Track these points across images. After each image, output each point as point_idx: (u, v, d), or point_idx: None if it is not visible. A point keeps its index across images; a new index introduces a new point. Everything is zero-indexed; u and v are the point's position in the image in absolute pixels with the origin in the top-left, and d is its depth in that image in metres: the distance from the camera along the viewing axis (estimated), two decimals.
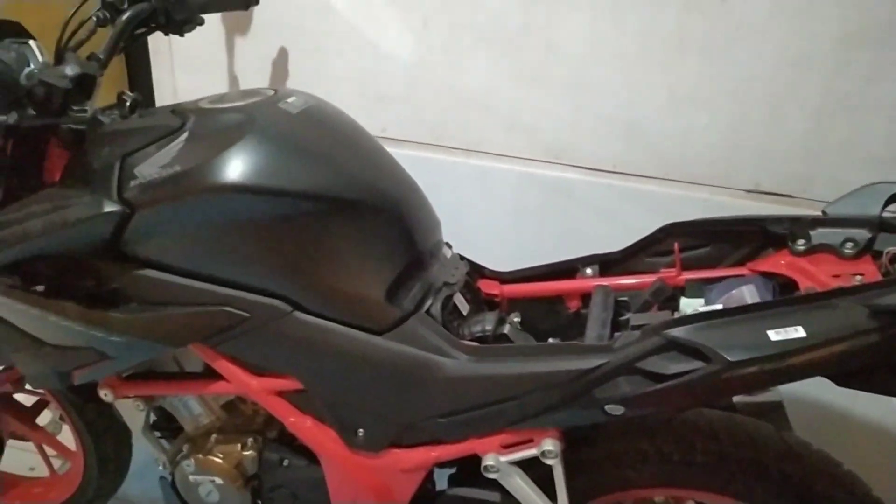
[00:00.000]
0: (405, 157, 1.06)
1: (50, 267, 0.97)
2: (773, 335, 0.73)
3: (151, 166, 0.89)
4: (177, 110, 0.97)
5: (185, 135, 0.90)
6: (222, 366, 0.99)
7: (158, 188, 0.88)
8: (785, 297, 0.77)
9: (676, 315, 0.92)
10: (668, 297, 0.97)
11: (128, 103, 1.02)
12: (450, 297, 1.00)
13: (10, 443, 1.45)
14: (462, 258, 1.09)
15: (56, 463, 1.53)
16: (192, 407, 1.14)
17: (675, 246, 0.99)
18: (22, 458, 1.55)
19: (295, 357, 0.95)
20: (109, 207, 0.88)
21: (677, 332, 0.77)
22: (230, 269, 0.91)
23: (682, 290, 0.99)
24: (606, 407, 0.83)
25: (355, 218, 0.91)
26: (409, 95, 1.45)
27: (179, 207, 0.88)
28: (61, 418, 1.42)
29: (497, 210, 1.48)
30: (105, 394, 1.09)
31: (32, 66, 0.97)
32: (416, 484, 1.00)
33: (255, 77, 1.52)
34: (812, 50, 1.23)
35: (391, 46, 1.41)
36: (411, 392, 0.93)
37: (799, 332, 0.72)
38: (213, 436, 1.13)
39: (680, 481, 0.97)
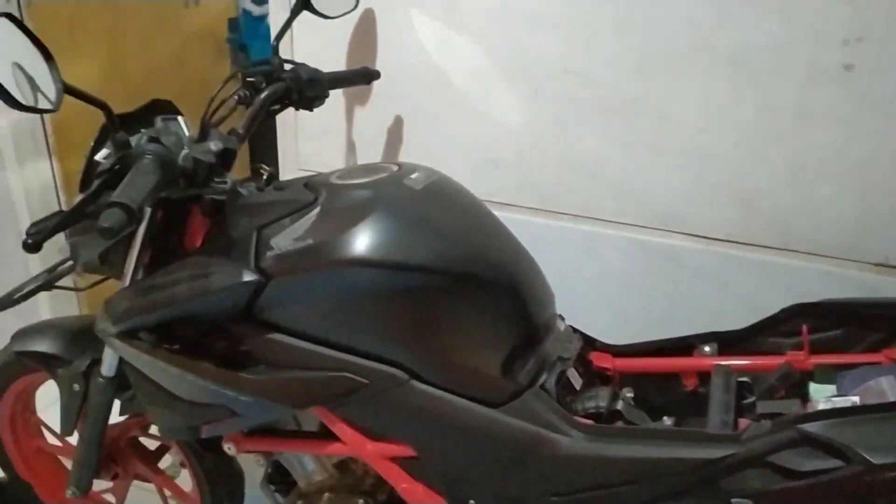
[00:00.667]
0: (513, 220, 1.07)
1: (188, 328, 1.04)
2: None
3: (286, 238, 0.95)
4: (310, 184, 1.03)
5: (318, 209, 0.96)
6: (339, 428, 1.02)
7: (292, 259, 0.93)
8: None
9: (808, 404, 0.88)
10: (795, 383, 0.93)
11: (264, 176, 1.10)
12: (563, 372, 0.99)
13: (134, 483, 1.54)
14: (574, 330, 1.09)
15: (172, 501, 1.60)
16: (306, 464, 1.17)
17: (804, 328, 0.95)
18: (143, 498, 1.63)
19: (410, 424, 0.97)
20: (248, 277, 0.94)
21: (814, 427, 0.74)
22: (353, 336, 0.95)
23: (810, 375, 0.95)
24: (733, 500, 0.80)
25: (475, 292, 0.93)
26: (519, 161, 1.48)
27: (310, 278, 0.93)
28: (181, 464, 1.49)
29: (604, 277, 1.47)
30: (229, 447, 1.15)
31: (184, 143, 1.07)
32: None
33: (371, 144, 1.59)
34: None
35: (503, 115, 1.45)
36: (524, 468, 0.93)
37: None
38: (326, 494, 1.16)
39: None
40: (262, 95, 1.17)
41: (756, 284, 1.36)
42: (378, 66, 1.47)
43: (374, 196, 0.95)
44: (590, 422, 0.93)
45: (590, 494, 0.89)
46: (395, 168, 1.02)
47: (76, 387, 1.25)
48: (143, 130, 1.11)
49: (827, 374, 0.93)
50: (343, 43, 1.53)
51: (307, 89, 1.23)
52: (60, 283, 1.22)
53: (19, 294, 1.19)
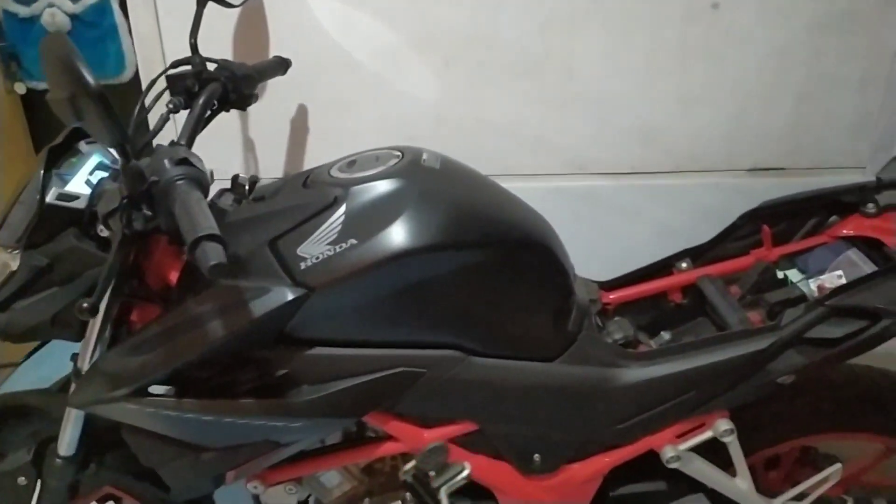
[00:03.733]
0: None
1: (206, 370, 0.93)
2: None
3: (317, 245, 0.89)
4: (310, 185, 0.96)
5: (343, 208, 0.90)
6: (393, 427, 1.00)
7: (337, 263, 0.88)
8: None
9: (786, 289, 1.05)
10: (772, 275, 1.11)
11: (246, 186, 1.00)
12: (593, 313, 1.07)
13: None
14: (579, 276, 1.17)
15: None
16: (328, 479, 1.12)
17: (765, 228, 1.13)
18: None
19: (470, 401, 0.98)
20: (293, 294, 0.87)
21: (842, 299, 0.90)
22: (405, 330, 0.93)
23: (775, 265, 1.14)
24: (779, 379, 0.95)
25: (518, 258, 0.96)
26: (437, 134, 1.49)
27: (361, 280, 0.88)
28: None
29: None
30: (255, 486, 1.06)
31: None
32: (593, 491, 1.07)
33: (273, 140, 1.49)
34: (791, 41, 1.43)
35: (416, 89, 1.45)
36: (589, 408, 1.00)
37: None
38: (366, 500, 1.13)
39: (811, 429, 1.11)
40: (202, 100, 1.05)
41: (661, 206, 1.56)
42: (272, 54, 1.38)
43: (406, 182, 0.92)
44: (638, 350, 1.02)
45: (652, 413, 0.99)
46: (399, 153, 1.00)
47: (22, 480, 1.05)
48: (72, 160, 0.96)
49: (787, 262, 1.13)
50: (233, 34, 1.40)
51: (243, 87, 1.13)
52: None
53: None
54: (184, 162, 0.80)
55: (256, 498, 1.08)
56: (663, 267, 1.20)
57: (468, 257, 0.92)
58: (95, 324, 0.93)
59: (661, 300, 1.20)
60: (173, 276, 0.96)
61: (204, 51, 1.14)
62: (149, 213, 0.82)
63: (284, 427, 0.93)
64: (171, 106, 1.04)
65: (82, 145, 1.00)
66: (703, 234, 1.27)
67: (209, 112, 1.08)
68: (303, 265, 0.88)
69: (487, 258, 0.93)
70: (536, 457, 1.02)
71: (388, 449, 1.03)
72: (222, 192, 1.00)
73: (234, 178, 1.01)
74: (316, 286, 0.88)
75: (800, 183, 1.35)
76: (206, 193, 0.80)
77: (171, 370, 0.88)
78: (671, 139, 1.52)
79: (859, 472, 1.23)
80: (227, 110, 1.15)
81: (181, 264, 0.96)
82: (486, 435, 1.01)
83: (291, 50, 1.39)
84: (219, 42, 1.40)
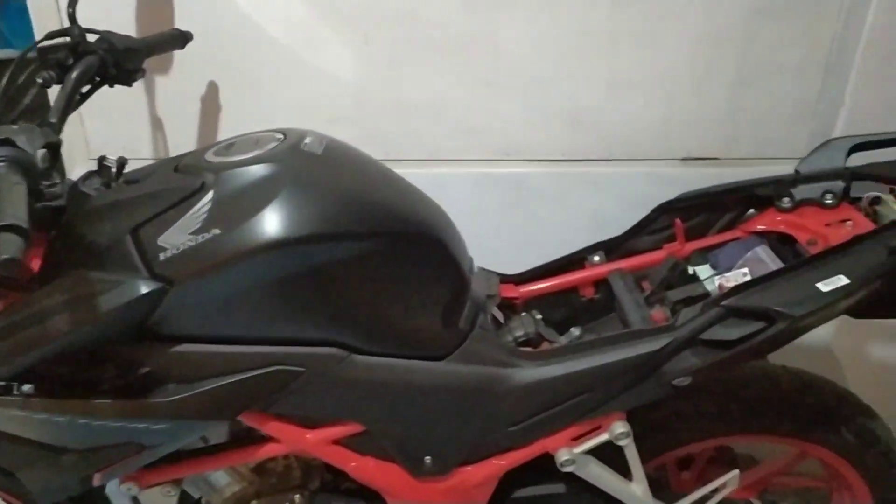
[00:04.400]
0: None
1: (61, 367, 0.87)
2: (823, 286, 0.83)
3: (180, 234, 0.82)
4: (182, 168, 0.90)
5: (211, 194, 0.84)
6: (272, 427, 0.95)
7: (197, 256, 0.81)
8: (818, 253, 0.88)
9: (696, 285, 1.01)
10: (682, 271, 1.06)
11: (113, 169, 0.93)
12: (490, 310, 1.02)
13: None
14: (482, 269, 1.11)
15: None
16: (217, 479, 1.07)
17: (678, 221, 1.08)
18: None
19: (354, 401, 0.93)
20: (147, 287, 0.80)
21: (738, 300, 0.86)
22: (280, 326, 0.87)
23: (687, 260, 1.09)
24: (674, 381, 0.91)
25: (404, 250, 0.91)
26: (357, 114, 1.43)
27: (225, 273, 0.82)
28: None
29: (460, 215, 1.49)
30: (129, 488, 1.00)
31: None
32: (488, 494, 1.02)
33: (183, 119, 1.42)
34: (725, 25, 1.38)
35: (335, 67, 1.38)
36: (480, 409, 0.95)
37: (842, 280, 0.83)
38: (254, 502, 1.07)
39: (718, 431, 1.08)
40: (74, 74, 0.97)
41: (592, 194, 1.50)
42: (178, 27, 1.30)
43: (280, 169, 0.86)
44: (529, 349, 0.98)
45: (547, 414, 0.94)
46: (282, 136, 0.93)
47: None
48: None
49: (700, 257, 1.08)
50: (135, 6, 1.32)
51: (125, 61, 1.05)
52: None
53: None
54: (5, 143, 0.73)
55: (135, 499, 1.02)
56: (576, 260, 1.15)
57: (345, 250, 0.86)
58: None
59: (573, 295, 1.15)
60: (35, 264, 0.89)
61: (104, 23, 1.06)
62: None
63: (146, 429, 0.87)
64: (41, 80, 0.97)
65: None
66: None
67: (87, 88, 1.01)
68: (162, 256, 0.82)
69: (367, 250, 0.87)
70: (427, 459, 0.97)
71: (270, 451, 0.98)
72: (89, 174, 0.93)
73: (101, 160, 0.94)
74: (175, 279, 0.82)
75: (736, 173, 1.30)
76: (32, 177, 0.73)
77: (17, 367, 0.82)
78: (602, 125, 1.46)
79: (775, 474, 1.20)
80: (111, 86, 1.08)
81: (43, 251, 0.89)
82: (374, 436, 0.96)
83: (200, 23, 1.32)
84: (121, 13, 1.32)
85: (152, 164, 0.99)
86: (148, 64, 1.36)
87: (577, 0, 1.35)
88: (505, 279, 1.15)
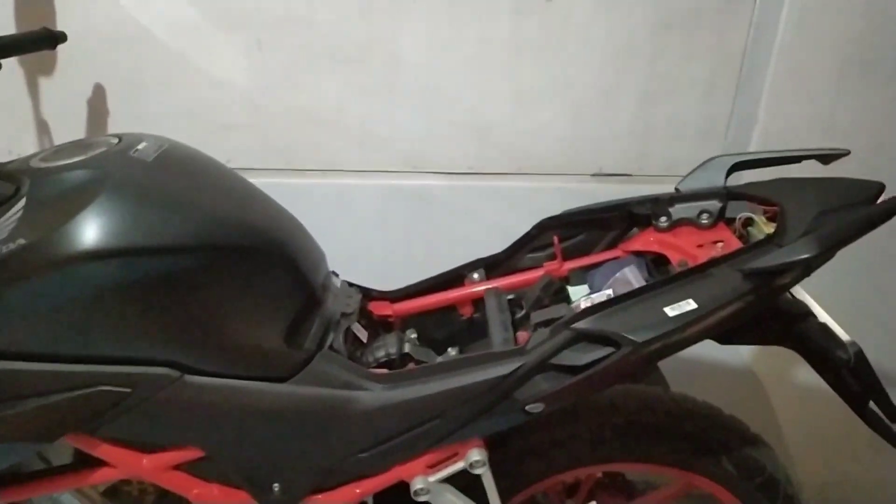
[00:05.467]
0: (259, 185, 0.99)
1: None
2: (670, 311, 0.79)
3: None
4: (3, 174, 0.84)
5: (23, 202, 0.79)
6: (104, 451, 0.89)
7: (1, 268, 0.76)
8: (671, 275, 0.83)
9: (572, 306, 0.97)
10: (556, 290, 1.02)
11: None
12: (348, 329, 0.97)
13: None
14: (350, 285, 1.06)
15: None
16: (65, 502, 1.01)
17: (555, 239, 1.04)
18: None
19: (191, 425, 0.87)
20: None
21: (585, 324, 0.81)
22: (101, 343, 0.81)
23: (566, 280, 1.04)
24: (527, 407, 0.86)
25: (239, 264, 0.85)
26: (253, 122, 1.38)
27: (31, 287, 0.76)
28: None
29: (363, 227, 1.46)
30: None
31: None
32: None
33: (69, 122, 1.36)
34: (632, 39, 1.34)
35: (226, 72, 1.33)
36: (327, 434, 0.89)
37: (691, 305, 0.79)
38: None
39: (592, 458, 1.03)
40: None
41: (501, 209, 1.46)
42: (61, 27, 1.25)
43: (97, 175, 0.80)
44: (383, 371, 0.92)
45: (398, 440, 0.89)
46: (115, 140, 0.88)
47: None
48: None
49: (579, 276, 1.03)
50: (9, 3, 1.27)
51: None
52: None
53: None
54: None
55: None
56: (455, 277, 1.10)
57: (166, 263, 0.80)
58: None
59: (452, 313, 1.10)
60: None
61: None
62: None
63: None
64: None
65: None
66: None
67: None
68: None
69: (194, 265, 0.82)
70: (276, 486, 0.92)
71: (105, 475, 0.92)
72: None
73: None
74: None
75: (646, 189, 1.27)
76: None
77: None
78: (508, 139, 1.42)
79: (662, 502, 1.15)
80: None
81: None
82: (216, 462, 0.90)
83: (82, 23, 1.27)
84: None
85: None
86: (32, 62, 1.33)
87: (477, 8, 1.31)
88: (380, 295, 1.09)
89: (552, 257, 1.06)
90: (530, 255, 1.09)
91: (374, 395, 0.88)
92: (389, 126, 1.40)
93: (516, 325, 1.00)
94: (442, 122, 1.40)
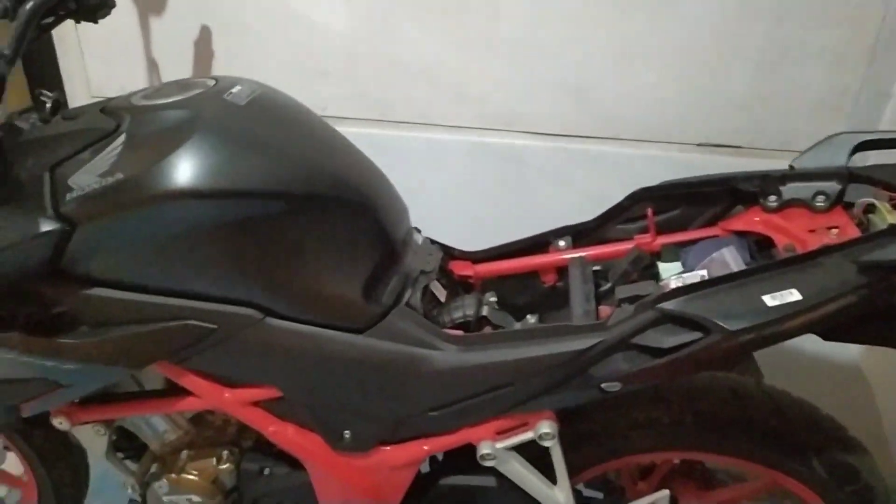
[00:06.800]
0: (348, 134, 0.99)
1: None
2: (770, 300, 0.73)
3: (88, 175, 0.80)
4: (107, 109, 0.88)
5: (123, 137, 0.81)
6: (190, 381, 0.93)
7: (100, 199, 0.79)
8: (775, 261, 0.77)
9: (660, 283, 0.91)
10: (646, 265, 0.96)
11: (48, 104, 0.91)
12: (427, 286, 0.96)
13: None
14: (432, 242, 1.05)
15: (1, 490, 1.42)
16: (156, 424, 1.07)
17: (649, 211, 0.98)
18: None
19: (270, 365, 0.90)
20: (46, 226, 0.79)
21: (673, 304, 0.76)
22: (190, 280, 0.84)
23: (658, 256, 0.99)
24: (603, 385, 0.82)
25: (323, 213, 0.85)
26: (349, 70, 1.38)
27: (127, 219, 0.80)
28: (5, 447, 1.31)
29: (451, 184, 1.44)
30: (60, 422, 1.01)
31: None
32: (409, 479, 0.98)
33: (177, 62, 1.40)
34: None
35: (326, 19, 1.33)
36: (399, 389, 0.90)
37: (794, 295, 0.72)
38: (185, 452, 1.07)
39: (670, 444, 0.98)
40: (29, 5, 0.95)
41: (594, 175, 1.40)
42: None
43: (191, 115, 0.82)
44: (459, 332, 0.91)
45: (469, 403, 0.88)
46: (212, 83, 0.89)
47: None
48: None
49: (672, 253, 0.97)
50: None
51: None
52: None
53: None
54: None
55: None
56: (541, 243, 1.06)
57: (257, 207, 0.82)
58: None
59: (534, 280, 1.07)
60: None
61: None
62: None
63: (56, 368, 0.87)
64: None
65: None
66: None
67: (43, 20, 0.99)
68: (68, 196, 0.80)
69: (283, 210, 0.83)
70: (347, 433, 0.93)
71: (190, 404, 0.97)
72: (27, 109, 0.92)
73: (37, 94, 0.93)
74: (78, 221, 0.80)
75: (757, 165, 1.18)
76: None
77: None
78: (609, 101, 1.35)
79: (739, 498, 1.10)
80: (77, 21, 1.05)
81: None
82: (291, 403, 0.93)
83: None
84: None
85: (92, 103, 0.97)
86: (143, 5, 1.36)
87: None
88: (462, 255, 1.08)
89: (644, 230, 1.01)
90: (621, 226, 1.04)
91: (447, 356, 0.87)
92: (484, 81, 1.36)
93: (599, 298, 0.96)
94: (539, 80, 1.35)
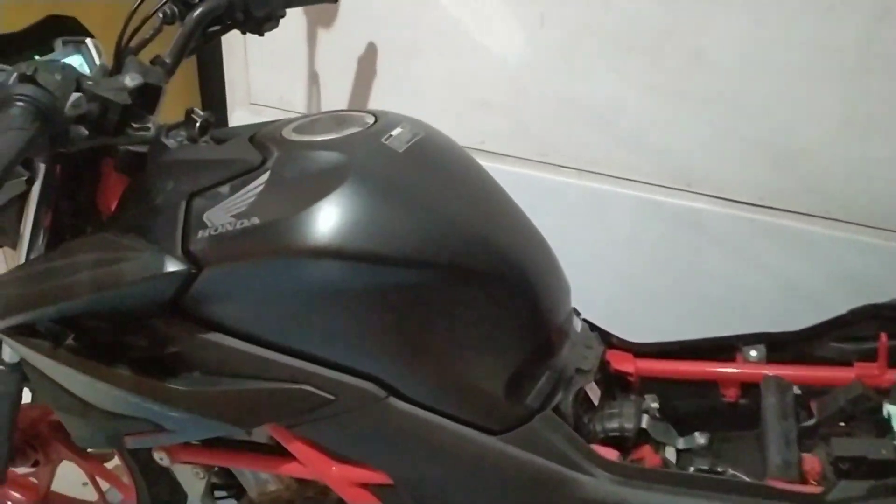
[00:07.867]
0: (504, 173, 0.87)
1: (100, 322, 0.81)
2: None
3: (224, 213, 0.72)
4: (256, 139, 0.80)
5: (267, 176, 0.73)
6: (298, 448, 0.83)
7: (231, 243, 0.71)
8: None
9: (894, 437, 0.70)
10: (870, 406, 0.75)
11: (197, 124, 0.85)
12: (581, 388, 0.80)
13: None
14: (592, 328, 0.89)
15: (105, 487, 1.41)
16: (259, 472, 0.98)
17: (883, 337, 0.76)
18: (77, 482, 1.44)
19: (386, 450, 0.79)
20: (172, 266, 0.71)
21: None
22: (315, 342, 0.74)
23: (884, 394, 0.77)
24: None
25: (476, 290, 0.73)
26: (516, 103, 1.24)
27: (257, 269, 0.72)
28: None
29: (612, 243, 1.27)
30: (161, 458, 0.95)
31: (89, 72, 0.83)
32: None
33: (338, 77, 1.33)
34: None
35: (499, 45, 1.20)
36: None
37: None
38: None
39: None
40: (196, 13, 0.90)
41: (791, 257, 1.17)
42: None
43: (343, 161, 0.72)
44: (615, 455, 0.75)
45: None
46: (371, 120, 0.79)
47: None
48: (36, 58, 0.86)
49: None
50: None
51: (255, 7, 0.97)
52: None
53: None
54: (29, 80, 0.65)
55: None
56: (726, 347, 0.87)
57: (402, 276, 0.70)
58: (24, 238, 0.85)
59: (711, 390, 0.88)
60: (112, 205, 0.85)
61: None
62: None
63: (161, 413, 0.80)
64: (162, 15, 0.91)
65: (59, 43, 0.90)
66: (840, 309, 0.89)
67: (209, 28, 0.94)
68: (200, 234, 0.73)
69: (431, 282, 0.71)
70: None
71: (294, 469, 0.87)
72: (176, 125, 0.86)
73: (188, 112, 0.86)
74: (205, 262, 0.72)
75: None
76: (50, 124, 0.65)
77: (49, 314, 0.78)
78: (822, 172, 1.12)
79: None
80: (243, 32, 1.00)
81: (120, 194, 0.84)
82: (402, 495, 0.80)
83: None
84: None
85: (244, 126, 0.89)
86: (314, 14, 1.30)
87: (821, 4, 1.02)
88: (621, 345, 0.90)
89: (870, 356, 0.79)
90: (835, 345, 0.82)
91: (597, 485, 0.71)
92: (668, 132, 1.17)
93: (800, 436, 0.75)
94: (735, 138, 1.14)
